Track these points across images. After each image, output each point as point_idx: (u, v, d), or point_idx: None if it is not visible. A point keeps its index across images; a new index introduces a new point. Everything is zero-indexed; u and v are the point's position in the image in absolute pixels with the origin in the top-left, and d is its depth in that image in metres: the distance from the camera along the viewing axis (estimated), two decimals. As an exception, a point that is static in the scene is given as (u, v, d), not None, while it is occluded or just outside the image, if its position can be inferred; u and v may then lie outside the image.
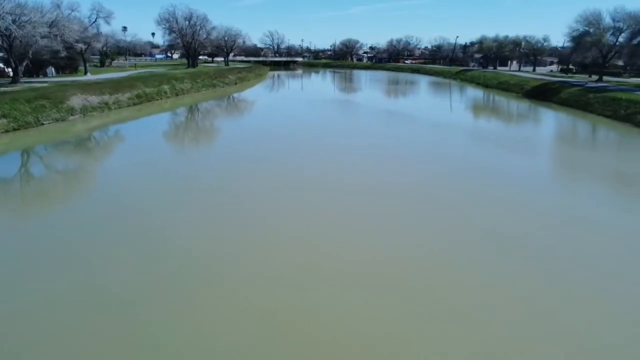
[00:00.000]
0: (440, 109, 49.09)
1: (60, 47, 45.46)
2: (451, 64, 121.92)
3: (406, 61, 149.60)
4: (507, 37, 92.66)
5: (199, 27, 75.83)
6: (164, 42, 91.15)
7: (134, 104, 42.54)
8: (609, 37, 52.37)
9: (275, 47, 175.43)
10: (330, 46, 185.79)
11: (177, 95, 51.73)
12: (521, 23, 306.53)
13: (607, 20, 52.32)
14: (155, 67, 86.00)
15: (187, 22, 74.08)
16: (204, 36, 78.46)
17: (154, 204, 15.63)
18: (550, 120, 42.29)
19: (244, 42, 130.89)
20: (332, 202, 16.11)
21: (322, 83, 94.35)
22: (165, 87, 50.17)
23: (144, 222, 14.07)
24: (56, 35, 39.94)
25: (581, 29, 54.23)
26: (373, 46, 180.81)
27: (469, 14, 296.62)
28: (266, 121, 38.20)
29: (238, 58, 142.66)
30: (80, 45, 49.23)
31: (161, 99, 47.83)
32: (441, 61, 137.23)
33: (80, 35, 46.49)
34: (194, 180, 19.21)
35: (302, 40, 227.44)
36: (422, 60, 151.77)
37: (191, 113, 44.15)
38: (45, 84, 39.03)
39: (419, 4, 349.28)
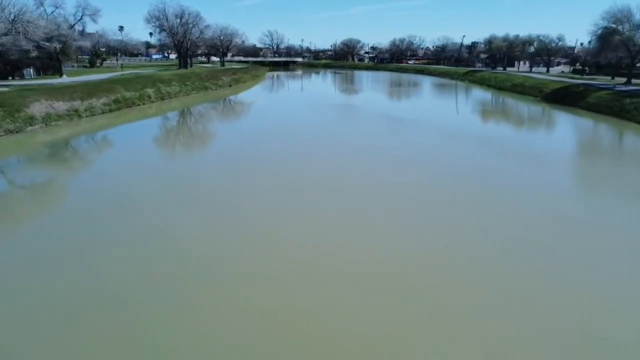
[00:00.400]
0: (450, 115, 44.21)
1: (31, 46, 40.61)
2: (457, 64, 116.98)
3: (409, 61, 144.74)
4: (517, 36, 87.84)
5: (191, 25, 70.87)
6: (159, 41, 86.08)
7: (111, 111, 37.68)
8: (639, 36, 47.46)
9: (275, 47, 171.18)
10: (331, 46, 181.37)
11: (162, 99, 46.90)
12: (521, 23, 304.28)
13: (638, 17, 47.45)
14: (146, 67, 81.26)
15: (178, 20, 69.16)
16: (197, 35, 73.48)
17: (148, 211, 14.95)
18: (584, 129, 37.38)
19: (243, 42, 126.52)
20: (332, 205, 15.90)
21: (322, 84, 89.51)
22: (149, 90, 45.32)
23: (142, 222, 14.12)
24: (19, 33, 34.98)
25: (607, 27, 49.28)
26: (374, 46, 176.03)
27: (469, 14, 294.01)
28: (261, 128, 33.29)
29: (236, 58, 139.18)
30: (55, 45, 44.33)
31: (143, 104, 42.96)
32: (445, 61, 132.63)
33: (52, 33, 41.57)
34: (183, 201, 15.88)
35: (302, 40, 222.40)
36: (425, 61, 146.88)
37: (176, 120, 39.24)
38: (5, 89, 34.18)
39: (418, 4, 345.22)
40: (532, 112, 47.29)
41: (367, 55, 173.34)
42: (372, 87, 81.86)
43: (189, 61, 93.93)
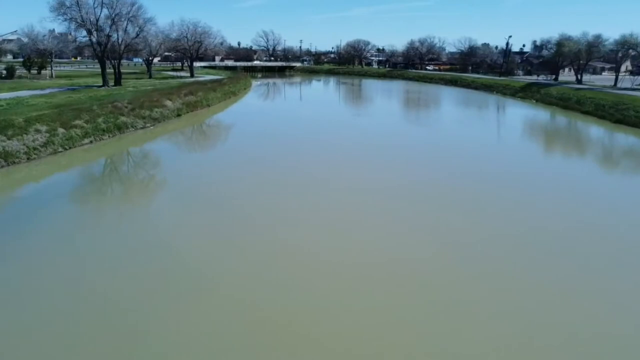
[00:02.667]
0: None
1: None
2: (499, 72, 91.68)
3: (428, 67, 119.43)
4: (599, 36, 62.54)
5: (124, 20, 45.54)
6: (61, 41, 60.95)
7: None
8: None
9: (271, 49, 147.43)
10: (332, 48, 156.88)
11: (-18, 171, 21.64)
12: (521, 25, 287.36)
13: None
14: (78, 78, 56.76)
15: (102, 10, 43.64)
16: (134, 34, 48.09)
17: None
18: None
19: (230, 44, 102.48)
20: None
21: (321, 104, 63.73)
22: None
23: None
24: None
25: None
26: (381, 48, 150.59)
27: (472, 14, 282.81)
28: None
29: (222, 63, 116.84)
30: None
31: None
32: (471, 68, 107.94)
33: None
34: None
35: (301, 41, 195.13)
36: (448, 67, 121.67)
37: None
38: None
39: (421, 5, 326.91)
40: None
41: (373, 59, 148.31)
42: (394, 114, 56.74)
43: (149, 70, 69.12)
